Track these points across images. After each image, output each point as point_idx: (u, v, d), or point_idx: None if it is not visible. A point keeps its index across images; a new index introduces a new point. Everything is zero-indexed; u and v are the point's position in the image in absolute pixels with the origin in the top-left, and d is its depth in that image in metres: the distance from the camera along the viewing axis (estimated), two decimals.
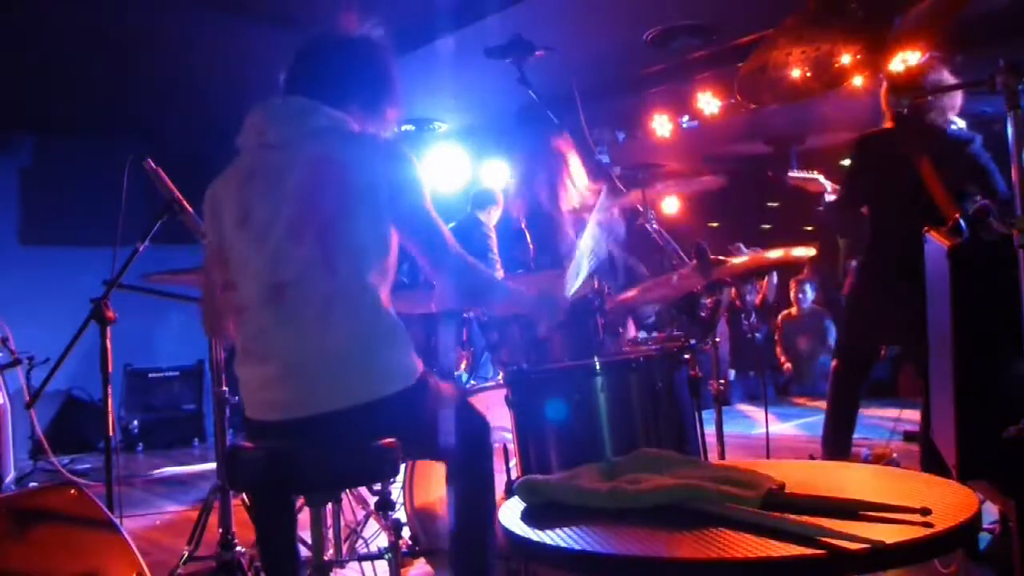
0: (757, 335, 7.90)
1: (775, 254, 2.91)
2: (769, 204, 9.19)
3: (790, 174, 3.94)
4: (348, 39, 1.99)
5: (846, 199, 3.56)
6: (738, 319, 7.88)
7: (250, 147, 1.91)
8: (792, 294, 7.89)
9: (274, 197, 1.81)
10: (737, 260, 2.66)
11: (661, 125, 6.55)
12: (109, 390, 2.65)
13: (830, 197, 3.72)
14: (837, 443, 3.44)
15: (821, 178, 3.81)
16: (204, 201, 1.93)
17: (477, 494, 1.93)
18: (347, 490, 2.90)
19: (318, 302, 1.76)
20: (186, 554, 2.81)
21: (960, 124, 3.32)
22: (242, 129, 1.92)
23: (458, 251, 1.90)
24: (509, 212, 5.53)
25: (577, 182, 3.43)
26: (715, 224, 8.87)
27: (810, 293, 7.83)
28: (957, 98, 3.25)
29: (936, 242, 2.17)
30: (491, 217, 5.41)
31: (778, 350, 8.02)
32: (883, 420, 5.74)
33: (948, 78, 3.21)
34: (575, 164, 3.31)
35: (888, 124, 3.39)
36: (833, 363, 3.56)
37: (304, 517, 1.95)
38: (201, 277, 2.06)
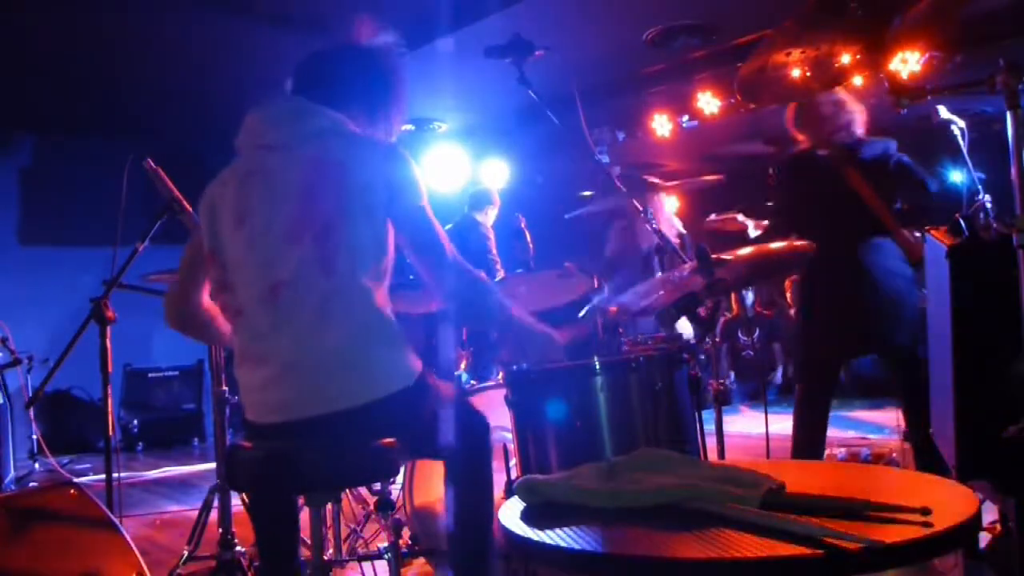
0: (752, 353, 7.91)
1: (778, 245, 2.91)
2: (769, 204, 9.18)
3: (709, 218, 4.07)
4: (358, 48, 1.98)
5: (778, 227, 3.45)
6: (735, 332, 7.91)
7: (248, 148, 1.89)
8: (788, 295, 7.89)
9: (273, 198, 1.80)
10: (742, 252, 2.63)
11: (661, 125, 6.55)
12: (109, 390, 2.65)
13: (754, 232, 3.75)
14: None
15: (740, 216, 3.90)
16: (200, 203, 1.90)
17: (476, 494, 1.93)
18: (347, 490, 2.91)
19: (315, 302, 1.74)
20: (186, 554, 2.82)
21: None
22: (240, 131, 1.91)
23: (456, 257, 1.85)
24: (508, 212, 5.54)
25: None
26: None
27: None
28: (861, 114, 3.24)
29: (936, 242, 2.17)
30: (488, 217, 5.41)
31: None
32: (883, 420, 5.75)
33: (855, 112, 3.21)
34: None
35: (803, 146, 3.36)
36: (797, 386, 3.42)
37: (304, 517, 1.95)
38: (179, 276, 2.05)
